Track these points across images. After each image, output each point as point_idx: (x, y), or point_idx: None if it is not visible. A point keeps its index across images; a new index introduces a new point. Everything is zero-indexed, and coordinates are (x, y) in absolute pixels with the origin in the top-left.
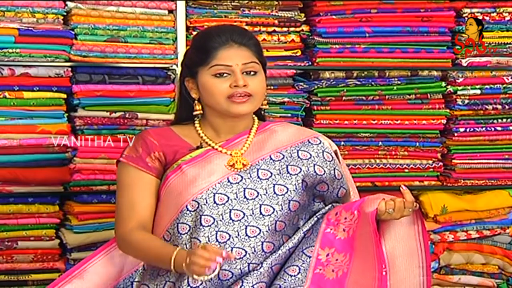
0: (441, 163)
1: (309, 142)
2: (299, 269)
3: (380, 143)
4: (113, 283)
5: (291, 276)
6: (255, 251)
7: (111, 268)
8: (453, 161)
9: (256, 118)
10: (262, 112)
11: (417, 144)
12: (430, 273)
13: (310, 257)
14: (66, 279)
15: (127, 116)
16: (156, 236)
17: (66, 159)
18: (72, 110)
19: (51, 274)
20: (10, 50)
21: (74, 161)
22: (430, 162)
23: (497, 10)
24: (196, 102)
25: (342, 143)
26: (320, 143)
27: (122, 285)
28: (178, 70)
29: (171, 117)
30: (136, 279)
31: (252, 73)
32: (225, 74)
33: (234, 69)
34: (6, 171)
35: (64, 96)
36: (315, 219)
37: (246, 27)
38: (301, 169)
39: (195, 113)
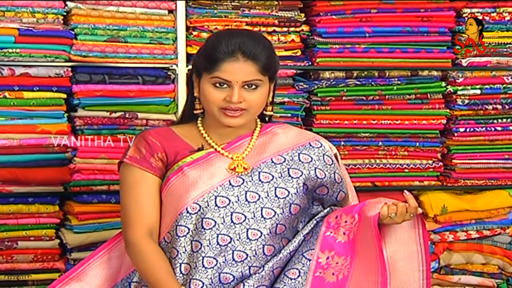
0: (441, 163)
1: (310, 145)
2: (299, 272)
3: (380, 143)
4: (111, 284)
5: (291, 279)
6: (256, 254)
7: (109, 270)
8: (453, 161)
9: (258, 120)
10: (267, 118)
11: (417, 144)
12: (430, 276)
13: (310, 260)
14: (64, 281)
15: (127, 116)
16: (164, 255)
17: (66, 159)
18: (72, 110)
19: (51, 274)
20: (10, 50)
21: (74, 161)
22: (430, 162)
23: (497, 10)
24: (197, 101)
25: (342, 143)
26: (321, 146)
27: (120, 286)
28: (178, 70)
29: (171, 117)
30: (134, 280)
31: (253, 87)
32: (224, 85)
33: (233, 84)
34: (6, 171)
35: (64, 96)
36: (315, 222)
37: (246, 27)
38: (302, 172)
39: (195, 112)
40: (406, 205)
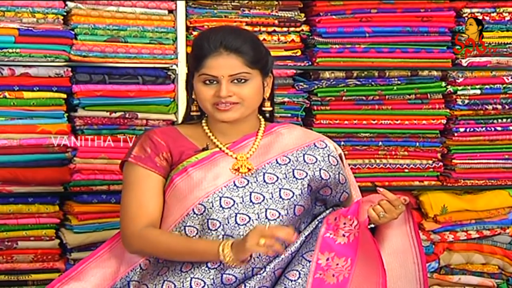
0: (441, 163)
1: (315, 145)
2: (299, 273)
3: (380, 143)
4: (110, 283)
5: (292, 281)
6: (259, 255)
7: (108, 268)
8: (453, 161)
9: (262, 119)
10: (267, 114)
11: (417, 144)
12: (426, 268)
13: (310, 261)
14: (63, 280)
15: (127, 116)
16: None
17: (66, 159)
18: (72, 110)
19: (51, 274)
20: (10, 50)
21: (74, 161)
22: (430, 162)
23: (497, 10)
24: (194, 103)
25: (342, 143)
26: (326, 146)
27: (119, 285)
28: (178, 70)
29: (171, 117)
30: (134, 279)
31: (242, 80)
32: (214, 82)
33: (220, 79)
34: (6, 171)
35: (64, 96)
36: (316, 223)
37: (246, 27)
38: (307, 173)
39: (192, 114)
40: (387, 200)
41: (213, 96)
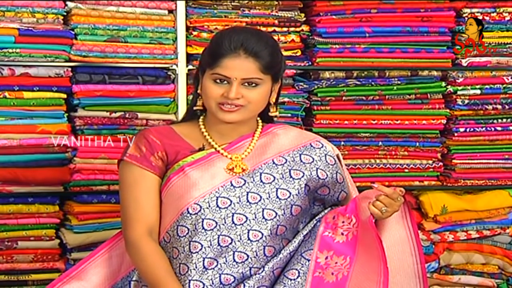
0: (441, 163)
1: (311, 145)
2: (299, 272)
3: (380, 143)
4: (111, 283)
5: (291, 280)
6: (257, 255)
7: (109, 268)
8: (453, 161)
9: (260, 121)
10: (275, 117)
11: (417, 144)
12: (424, 261)
13: (309, 260)
14: (64, 280)
15: (127, 116)
16: (164, 254)
17: (66, 159)
18: (72, 110)
19: (51, 274)
20: (10, 50)
21: (74, 161)
22: (430, 162)
23: (497, 10)
24: (199, 97)
25: (342, 143)
26: (322, 146)
27: (120, 284)
28: (178, 70)
29: (171, 117)
30: (134, 278)
31: (253, 84)
32: (224, 81)
33: (232, 81)
34: (6, 171)
35: (64, 96)
36: (314, 222)
37: None
38: (304, 173)
39: (195, 108)
40: (385, 194)
41: (221, 95)
